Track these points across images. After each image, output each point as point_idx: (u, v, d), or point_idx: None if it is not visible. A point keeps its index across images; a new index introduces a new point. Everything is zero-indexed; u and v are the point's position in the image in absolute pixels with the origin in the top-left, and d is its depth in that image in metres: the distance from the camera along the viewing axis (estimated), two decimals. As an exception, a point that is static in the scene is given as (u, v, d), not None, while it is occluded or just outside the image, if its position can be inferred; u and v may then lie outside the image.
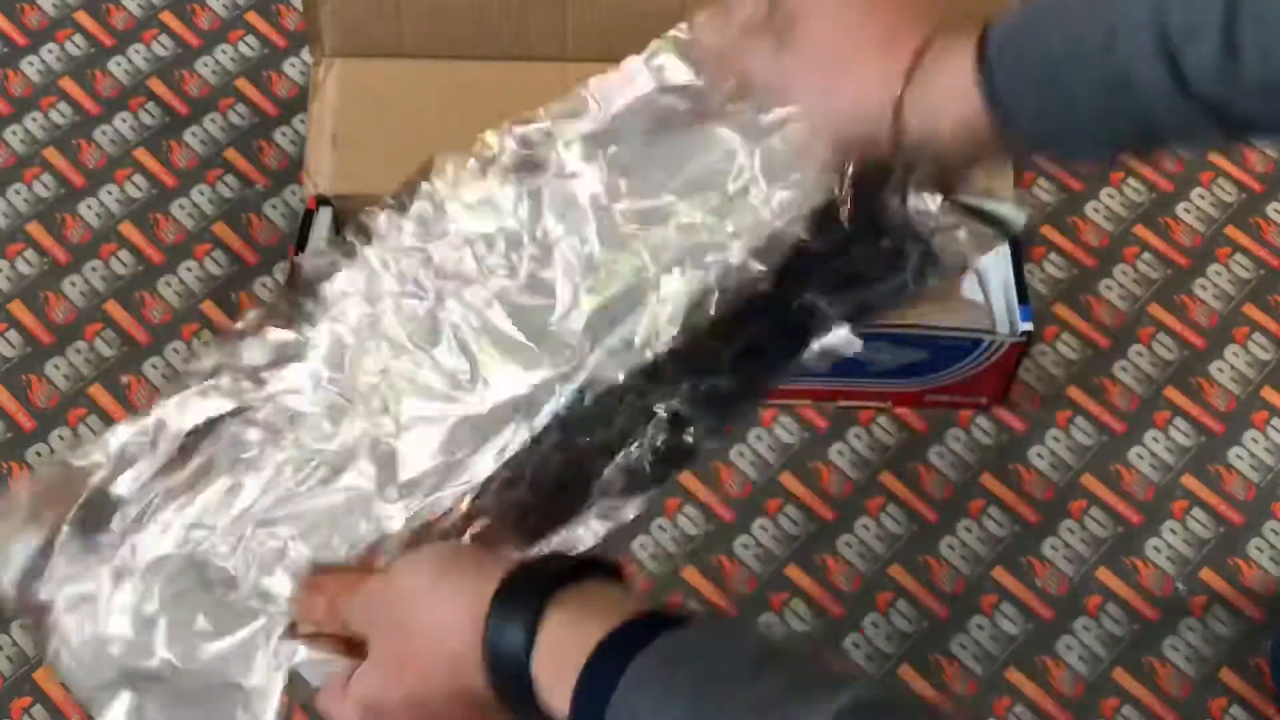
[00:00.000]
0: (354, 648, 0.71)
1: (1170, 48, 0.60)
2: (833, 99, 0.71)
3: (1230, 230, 1.30)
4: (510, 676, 0.63)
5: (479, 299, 0.77)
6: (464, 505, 0.74)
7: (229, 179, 1.30)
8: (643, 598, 0.64)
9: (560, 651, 0.61)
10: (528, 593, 0.64)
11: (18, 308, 1.24)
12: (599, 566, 0.67)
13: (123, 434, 0.77)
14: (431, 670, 0.66)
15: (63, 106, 1.33)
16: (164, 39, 1.36)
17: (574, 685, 0.60)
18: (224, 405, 0.77)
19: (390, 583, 0.70)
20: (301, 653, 0.72)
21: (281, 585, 0.74)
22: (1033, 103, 0.65)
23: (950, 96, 0.66)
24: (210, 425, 0.77)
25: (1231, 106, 0.61)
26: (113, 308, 1.24)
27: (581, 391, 0.75)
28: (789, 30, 0.72)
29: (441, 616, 0.66)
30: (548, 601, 0.63)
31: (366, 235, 0.80)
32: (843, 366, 1.14)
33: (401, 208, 0.80)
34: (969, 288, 1.15)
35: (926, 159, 0.71)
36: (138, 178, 1.30)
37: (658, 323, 0.75)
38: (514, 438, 0.74)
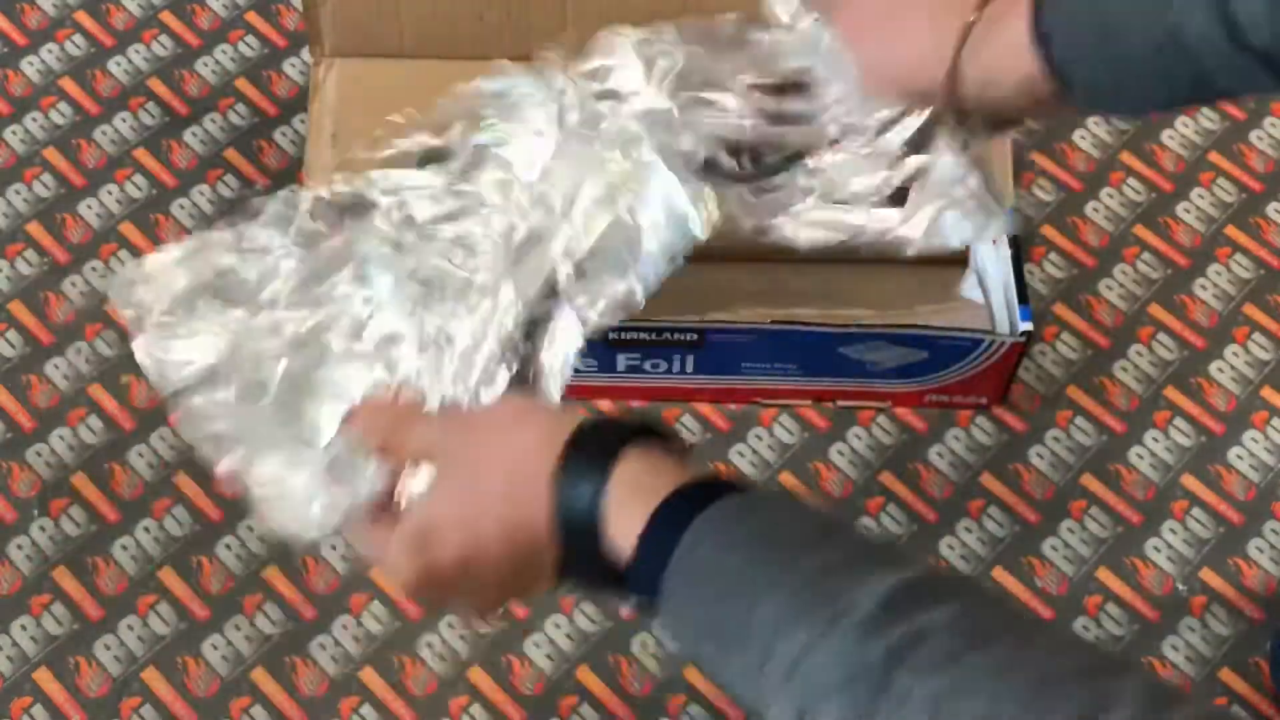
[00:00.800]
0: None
1: (1222, 1, 0.62)
2: (889, 54, 0.73)
3: (1230, 230, 1.30)
4: (576, 514, 0.64)
5: None
6: None
7: (229, 179, 1.30)
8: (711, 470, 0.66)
9: (632, 494, 0.63)
10: (605, 439, 0.65)
11: (18, 308, 1.24)
12: (671, 438, 0.68)
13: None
14: (495, 498, 0.67)
15: (63, 106, 1.33)
16: (164, 39, 1.36)
17: (641, 529, 0.61)
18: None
19: (468, 415, 0.71)
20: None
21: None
22: (1088, 61, 0.67)
23: (1007, 53, 0.68)
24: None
25: None
26: (113, 307, 1.24)
27: None
28: None
29: (516, 449, 0.67)
30: (623, 450, 0.64)
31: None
32: (843, 366, 1.15)
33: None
34: (969, 287, 1.15)
35: (981, 112, 0.72)
36: (138, 178, 1.30)
37: None
38: None
